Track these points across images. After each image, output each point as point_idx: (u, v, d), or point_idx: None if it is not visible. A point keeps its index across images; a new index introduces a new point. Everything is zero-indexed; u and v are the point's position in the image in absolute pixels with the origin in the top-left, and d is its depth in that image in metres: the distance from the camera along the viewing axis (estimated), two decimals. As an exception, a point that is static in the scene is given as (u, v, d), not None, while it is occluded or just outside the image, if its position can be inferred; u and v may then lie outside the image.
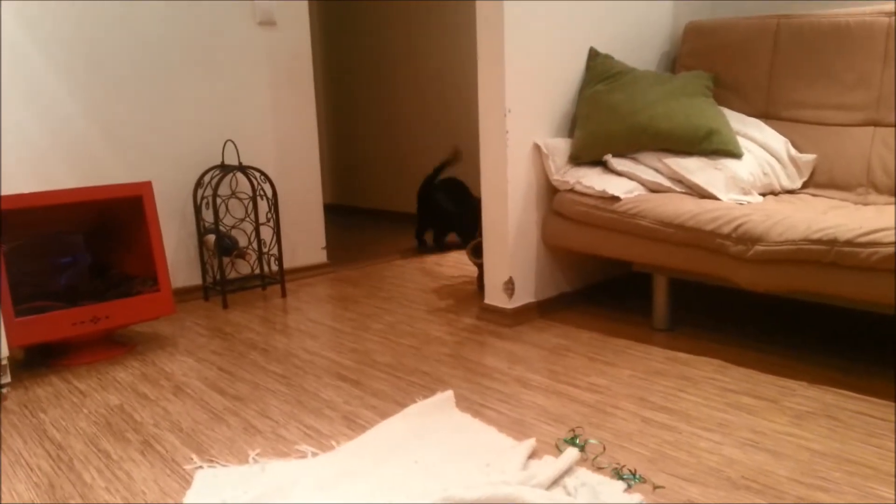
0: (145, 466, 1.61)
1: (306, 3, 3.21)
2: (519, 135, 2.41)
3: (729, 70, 2.67)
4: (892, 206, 2.14)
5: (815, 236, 1.85)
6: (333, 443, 1.68)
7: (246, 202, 3.08)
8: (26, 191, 2.55)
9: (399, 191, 4.74)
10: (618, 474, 1.48)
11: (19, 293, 2.21)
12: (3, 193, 2.48)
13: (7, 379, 2.06)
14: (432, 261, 3.53)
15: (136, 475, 1.57)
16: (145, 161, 2.86)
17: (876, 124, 2.35)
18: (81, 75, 2.68)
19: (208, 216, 2.97)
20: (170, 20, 2.84)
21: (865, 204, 2.25)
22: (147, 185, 2.38)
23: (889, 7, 2.35)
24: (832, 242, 1.81)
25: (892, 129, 2.30)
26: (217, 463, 1.61)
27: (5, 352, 2.03)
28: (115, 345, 2.40)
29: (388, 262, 3.54)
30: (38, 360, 2.34)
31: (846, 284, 1.82)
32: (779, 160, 2.41)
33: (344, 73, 5.03)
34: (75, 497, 1.49)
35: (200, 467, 1.59)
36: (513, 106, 2.37)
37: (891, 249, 1.72)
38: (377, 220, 4.82)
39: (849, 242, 1.79)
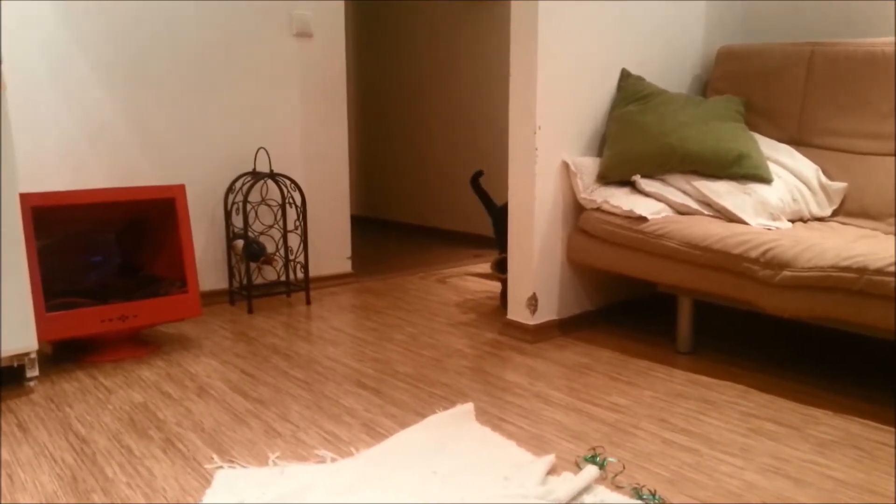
0: (166, 464, 1.63)
1: (342, 16, 3.26)
2: (548, 152, 2.42)
3: (761, 95, 2.66)
4: (924, 237, 2.12)
5: (845, 264, 1.83)
6: (353, 449, 1.69)
7: (275, 209, 3.12)
8: (62, 189, 2.61)
9: (425, 205, 4.77)
10: (637, 494, 1.47)
11: (50, 289, 2.25)
12: (40, 190, 2.53)
13: (35, 372, 2.09)
14: (456, 275, 3.54)
15: (157, 472, 1.59)
16: (179, 165, 2.91)
17: (909, 154, 2.33)
18: (122, 80, 2.74)
19: (238, 221, 3.01)
20: (209, 29, 2.90)
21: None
22: (180, 188, 2.42)
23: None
24: (862, 271, 1.80)
25: (926, 159, 2.28)
26: (237, 464, 1.62)
27: (34, 345, 2.07)
28: (141, 344, 2.43)
29: (412, 275, 3.56)
30: (65, 356, 2.38)
31: (874, 313, 1.80)
32: (809, 187, 2.40)
33: (374, 87, 5.09)
34: (97, 490, 1.52)
35: (221, 467, 1.61)
36: (543, 123, 2.38)
37: (922, 280, 1.70)
38: (402, 234, 4.84)
39: (879, 271, 1.77)
